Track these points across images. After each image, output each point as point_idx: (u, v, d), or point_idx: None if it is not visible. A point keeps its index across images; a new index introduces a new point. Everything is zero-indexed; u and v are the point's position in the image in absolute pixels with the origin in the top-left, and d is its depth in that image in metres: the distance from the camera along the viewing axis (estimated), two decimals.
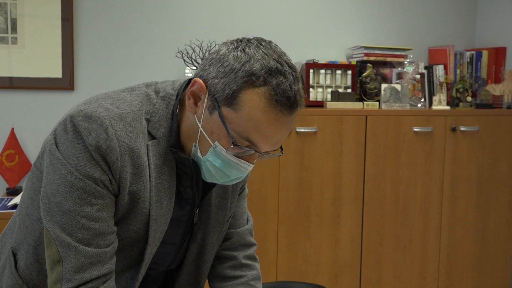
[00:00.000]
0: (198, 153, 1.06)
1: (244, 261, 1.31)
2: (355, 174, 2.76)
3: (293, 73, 1.02)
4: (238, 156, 1.04)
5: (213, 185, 1.16)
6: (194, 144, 1.06)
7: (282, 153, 1.09)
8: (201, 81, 1.03)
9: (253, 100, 0.98)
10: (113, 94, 1.10)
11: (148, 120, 1.07)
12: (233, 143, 1.00)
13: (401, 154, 2.81)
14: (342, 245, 2.79)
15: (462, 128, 2.86)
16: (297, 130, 2.64)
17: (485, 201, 2.97)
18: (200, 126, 1.04)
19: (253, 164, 1.06)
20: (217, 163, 1.03)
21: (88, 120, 1.00)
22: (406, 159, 2.82)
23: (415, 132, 2.81)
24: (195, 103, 1.05)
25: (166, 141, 1.08)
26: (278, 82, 0.98)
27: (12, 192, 2.62)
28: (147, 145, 1.05)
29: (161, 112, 1.08)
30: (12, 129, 2.66)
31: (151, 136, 1.07)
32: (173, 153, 1.08)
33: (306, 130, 2.66)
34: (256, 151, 1.03)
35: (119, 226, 1.08)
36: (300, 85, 1.06)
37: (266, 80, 0.98)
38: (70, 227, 1.00)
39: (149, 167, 1.06)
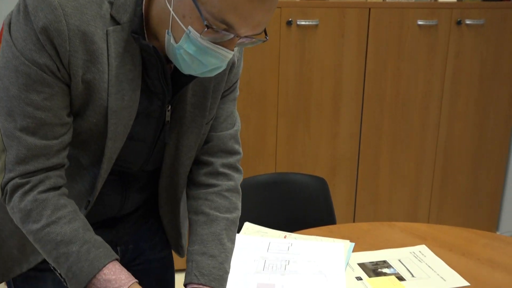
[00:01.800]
0: (172, 41, 0.94)
1: (222, 169, 1.21)
2: (356, 68, 2.72)
3: None
4: (215, 42, 0.92)
5: (187, 81, 1.05)
6: (166, 30, 0.95)
7: (267, 38, 0.97)
8: None
9: None
10: None
11: (111, 3, 0.96)
12: (206, 26, 0.88)
13: (404, 48, 2.76)
14: (341, 139, 2.81)
15: (468, 22, 2.78)
16: (297, 23, 2.57)
17: (486, 97, 2.96)
18: (171, 9, 0.92)
19: (232, 51, 0.95)
20: (191, 50, 0.92)
21: None
22: (408, 53, 2.77)
23: (419, 25, 2.73)
24: None
25: (131, 27, 0.97)
26: None
27: None
28: (107, 31, 0.95)
29: None
30: None
31: (115, 21, 0.96)
32: (135, 39, 0.97)
33: (306, 23, 2.59)
34: (234, 35, 0.91)
35: (79, 118, 1.01)
36: None
37: None
38: (16, 114, 0.95)
39: (108, 55, 0.96)
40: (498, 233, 3.21)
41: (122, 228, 1.24)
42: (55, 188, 1.00)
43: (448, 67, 2.85)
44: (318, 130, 2.76)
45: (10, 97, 0.95)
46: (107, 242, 1.03)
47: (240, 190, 1.23)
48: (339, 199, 2.87)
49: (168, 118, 1.10)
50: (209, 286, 1.08)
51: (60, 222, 0.97)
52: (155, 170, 1.19)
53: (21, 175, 0.97)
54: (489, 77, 2.93)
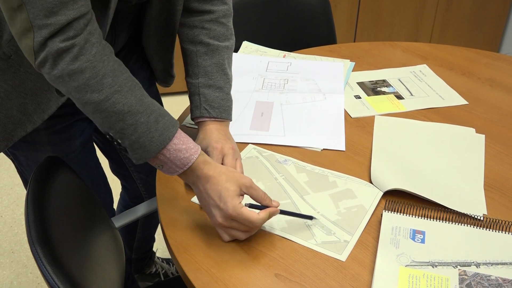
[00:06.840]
0: None
1: None
2: None
3: None
4: None
5: None
6: None
7: None
8: None
9: None
10: None
11: None
12: None
13: None
14: None
15: None
16: None
17: None
18: None
19: None
20: None
21: None
22: None
23: None
24: None
25: None
26: None
27: None
28: None
29: None
30: None
31: None
32: None
33: None
34: None
35: None
36: None
37: None
38: None
39: None
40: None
41: None
42: (101, 42, 0.89)
43: None
44: None
45: None
46: None
47: (232, 11, 1.18)
48: (340, 20, 2.79)
49: None
50: (219, 118, 1.08)
51: (122, 91, 0.89)
52: (144, 2, 1.09)
53: (58, 30, 0.84)
54: None
